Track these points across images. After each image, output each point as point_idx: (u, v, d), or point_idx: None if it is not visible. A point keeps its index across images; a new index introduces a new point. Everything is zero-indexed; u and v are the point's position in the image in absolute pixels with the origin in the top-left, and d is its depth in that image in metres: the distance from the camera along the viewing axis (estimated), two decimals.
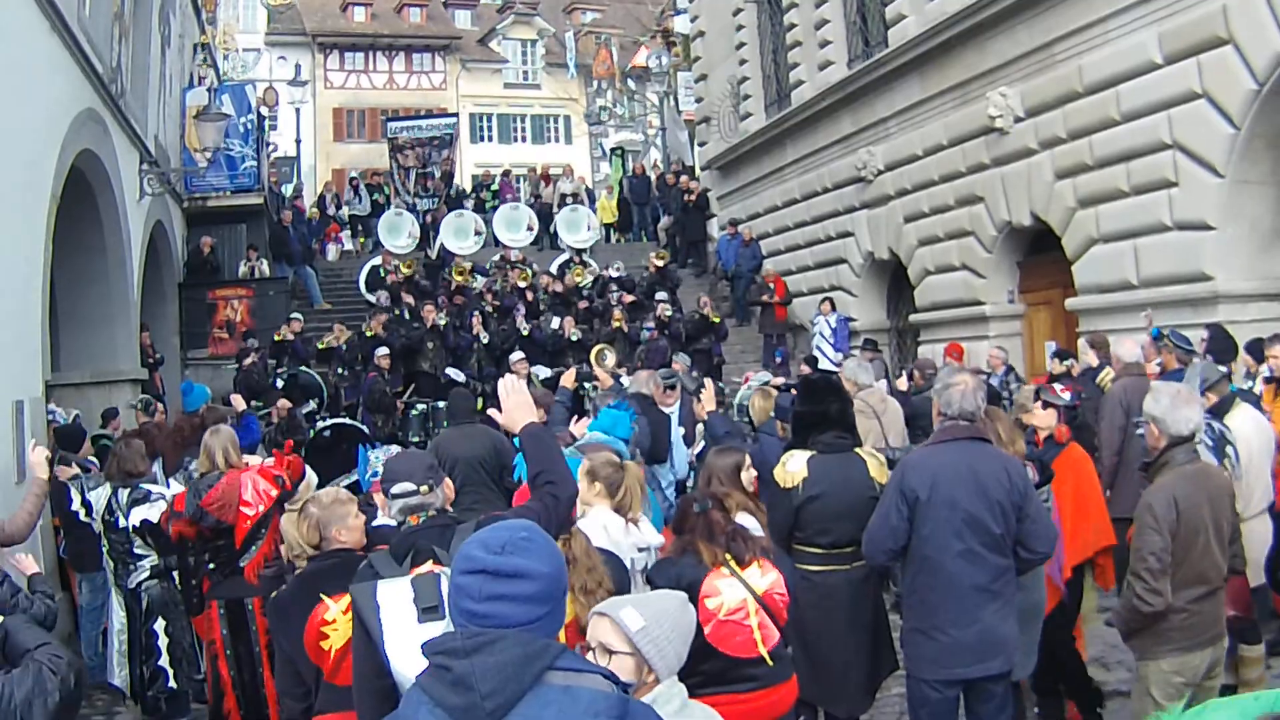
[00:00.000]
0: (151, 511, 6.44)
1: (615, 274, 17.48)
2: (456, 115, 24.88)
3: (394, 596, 2.77)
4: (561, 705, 1.97)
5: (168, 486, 6.81)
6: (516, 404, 3.65)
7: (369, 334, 14.65)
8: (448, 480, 3.40)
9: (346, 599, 3.16)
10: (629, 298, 16.40)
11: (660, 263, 17.76)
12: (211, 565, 6.03)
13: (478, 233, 19.96)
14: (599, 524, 4.27)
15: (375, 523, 4.49)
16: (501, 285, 17.22)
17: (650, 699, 2.53)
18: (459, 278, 17.12)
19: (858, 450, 5.39)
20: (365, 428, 12.76)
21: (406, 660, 2.62)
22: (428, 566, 2.89)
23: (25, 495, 6.25)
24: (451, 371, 14.21)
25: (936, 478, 4.40)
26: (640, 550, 4.56)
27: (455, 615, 2.07)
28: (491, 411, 3.68)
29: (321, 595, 3.36)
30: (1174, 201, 10.37)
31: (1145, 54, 10.54)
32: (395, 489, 3.24)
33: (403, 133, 22.56)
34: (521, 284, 16.99)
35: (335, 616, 3.29)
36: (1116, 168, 11.00)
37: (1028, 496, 4.47)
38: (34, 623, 4.98)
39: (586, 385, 11.79)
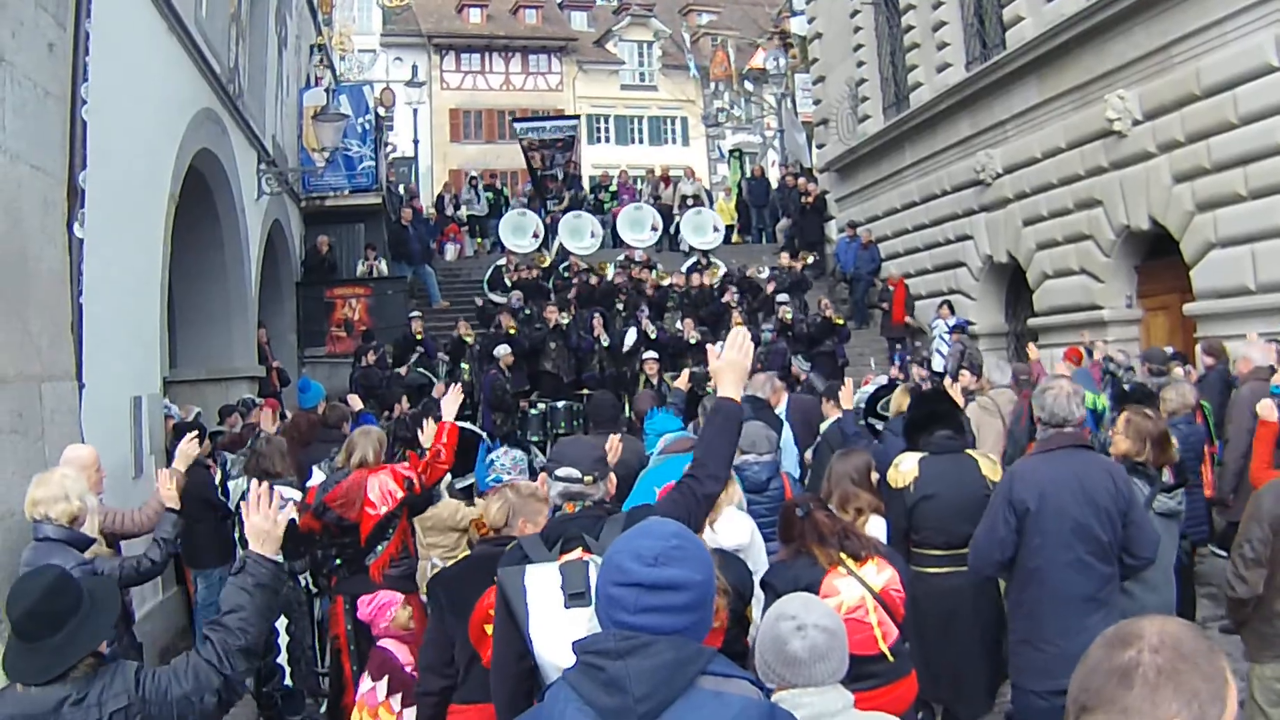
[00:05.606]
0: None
1: (765, 272, 17.82)
2: (577, 118, 25.05)
3: (542, 581, 2.78)
4: (713, 710, 1.96)
5: (303, 489, 6.76)
6: (739, 365, 3.26)
7: (511, 331, 14.91)
8: (612, 476, 3.31)
9: None
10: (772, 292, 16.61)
11: (805, 263, 18.03)
12: (339, 561, 6.07)
13: (594, 234, 20.15)
14: None
15: None
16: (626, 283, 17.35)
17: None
18: (594, 275, 17.34)
19: (969, 451, 5.51)
20: (477, 429, 12.48)
21: (550, 645, 2.67)
22: (577, 553, 2.89)
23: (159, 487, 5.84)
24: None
25: (1045, 488, 4.39)
26: (714, 551, 4.73)
27: (607, 624, 2.04)
28: (712, 354, 3.29)
29: (494, 579, 3.27)
30: None
31: (1263, 56, 10.52)
32: (560, 472, 3.17)
33: (529, 134, 22.77)
34: (647, 284, 17.07)
35: None
36: (1234, 171, 10.97)
37: (1132, 502, 4.47)
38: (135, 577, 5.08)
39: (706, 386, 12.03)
